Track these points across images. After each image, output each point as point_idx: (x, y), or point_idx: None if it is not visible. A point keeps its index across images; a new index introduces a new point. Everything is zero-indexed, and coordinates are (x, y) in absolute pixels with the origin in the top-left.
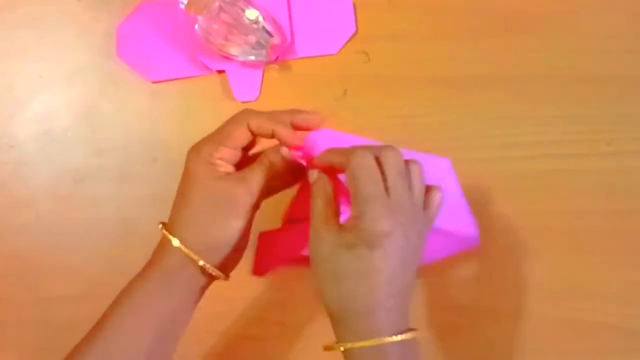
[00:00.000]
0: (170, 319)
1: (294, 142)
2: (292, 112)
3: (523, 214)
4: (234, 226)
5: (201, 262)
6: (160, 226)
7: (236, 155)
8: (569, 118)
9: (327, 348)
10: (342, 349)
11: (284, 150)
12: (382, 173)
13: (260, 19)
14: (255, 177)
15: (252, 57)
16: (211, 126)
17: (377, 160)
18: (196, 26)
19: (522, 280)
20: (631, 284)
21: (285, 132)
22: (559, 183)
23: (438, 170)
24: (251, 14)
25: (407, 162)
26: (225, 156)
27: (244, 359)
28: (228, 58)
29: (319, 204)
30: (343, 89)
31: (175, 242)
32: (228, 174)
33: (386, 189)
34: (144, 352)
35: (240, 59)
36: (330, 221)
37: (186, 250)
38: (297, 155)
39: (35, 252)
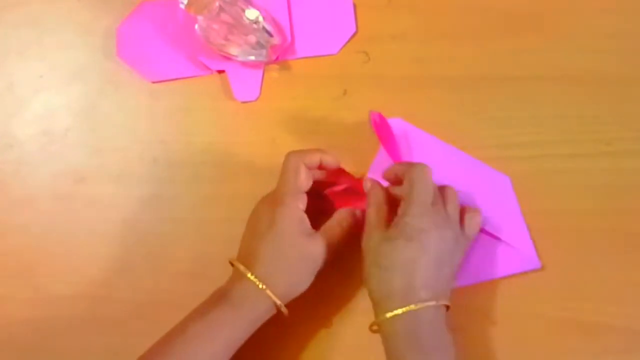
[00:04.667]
0: (233, 346)
1: (339, 165)
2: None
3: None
4: (312, 279)
5: (283, 309)
6: (250, 275)
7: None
8: (568, 118)
9: (370, 327)
10: (375, 327)
11: (357, 211)
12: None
13: (260, 19)
14: (336, 239)
15: (252, 57)
16: (211, 126)
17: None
18: (196, 26)
19: (522, 280)
20: (631, 284)
21: (331, 159)
22: (559, 183)
23: (497, 185)
24: (251, 14)
25: (444, 186)
26: (305, 205)
27: (245, 358)
28: (228, 58)
29: (372, 209)
30: (343, 89)
31: (265, 288)
32: (314, 232)
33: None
34: None
35: (240, 59)
36: (380, 223)
37: (274, 299)
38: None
39: (35, 252)
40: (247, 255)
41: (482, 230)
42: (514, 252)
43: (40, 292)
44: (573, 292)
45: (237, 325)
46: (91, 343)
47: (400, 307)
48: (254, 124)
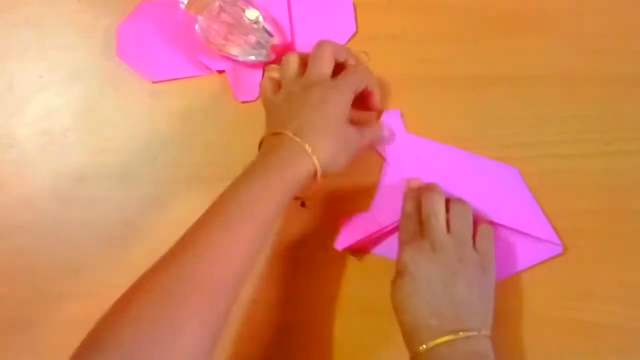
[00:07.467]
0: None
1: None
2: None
3: None
4: (348, 163)
5: (319, 177)
6: (298, 138)
7: None
8: (569, 118)
9: None
10: None
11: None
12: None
13: (261, 19)
14: (364, 145)
15: (252, 57)
16: (211, 126)
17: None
18: (196, 26)
19: (522, 281)
20: (631, 284)
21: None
22: (559, 183)
23: (506, 177)
24: (251, 14)
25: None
26: None
27: (245, 358)
28: (228, 58)
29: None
30: None
31: (310, 151)
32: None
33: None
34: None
35: (240, 59)
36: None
37: (316, 162)
38: None
39: (35, 252)
40: (289, 122)
41: (501, 226)
42: (536, 241)
43: (40, 292)
44: (573, 292)
45: (284, 191)
46: None
47: (412, 346)
48: (254, 124)
